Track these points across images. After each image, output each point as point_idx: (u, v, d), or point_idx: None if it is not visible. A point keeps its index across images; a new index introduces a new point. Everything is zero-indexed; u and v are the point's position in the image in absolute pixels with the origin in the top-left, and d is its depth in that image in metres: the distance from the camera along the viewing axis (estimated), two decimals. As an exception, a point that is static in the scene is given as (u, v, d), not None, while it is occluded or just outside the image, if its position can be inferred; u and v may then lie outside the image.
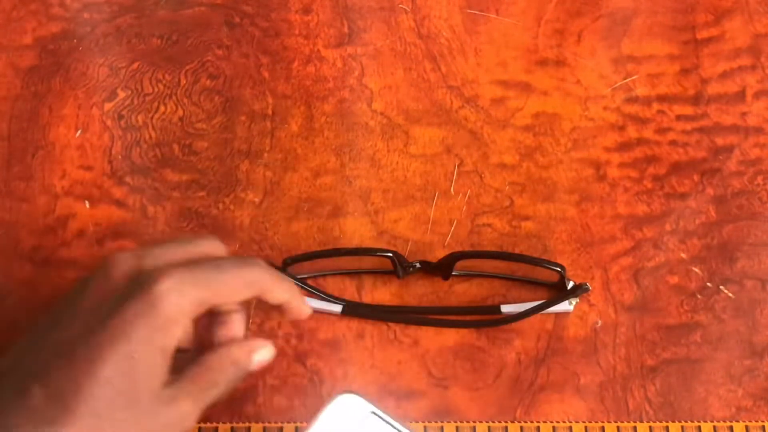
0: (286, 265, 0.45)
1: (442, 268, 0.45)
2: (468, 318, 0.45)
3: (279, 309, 0.40)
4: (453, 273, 0.45)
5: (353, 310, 0.45)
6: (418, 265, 0.45)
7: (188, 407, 0.37)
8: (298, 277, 0.45)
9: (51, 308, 0.39)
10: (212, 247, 0.40)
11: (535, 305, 0.44)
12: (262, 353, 0.40)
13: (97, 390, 0.34)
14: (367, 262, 0.46)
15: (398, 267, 0.45)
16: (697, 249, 0.47)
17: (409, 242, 0.47)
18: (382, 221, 0.47)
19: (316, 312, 0.44)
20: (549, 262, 0.43)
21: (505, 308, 0.44)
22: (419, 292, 0.46)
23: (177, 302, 0.36)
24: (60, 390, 0.34)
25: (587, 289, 0.44)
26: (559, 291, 0.45)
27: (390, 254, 0.43)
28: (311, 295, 0.45)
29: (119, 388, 0.35)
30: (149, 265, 0.37)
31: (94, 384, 0.34)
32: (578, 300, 0.44)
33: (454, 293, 0.46)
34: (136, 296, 0.36)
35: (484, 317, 0.45)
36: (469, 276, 0.46)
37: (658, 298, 0.46)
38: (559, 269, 0.43)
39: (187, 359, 0.38)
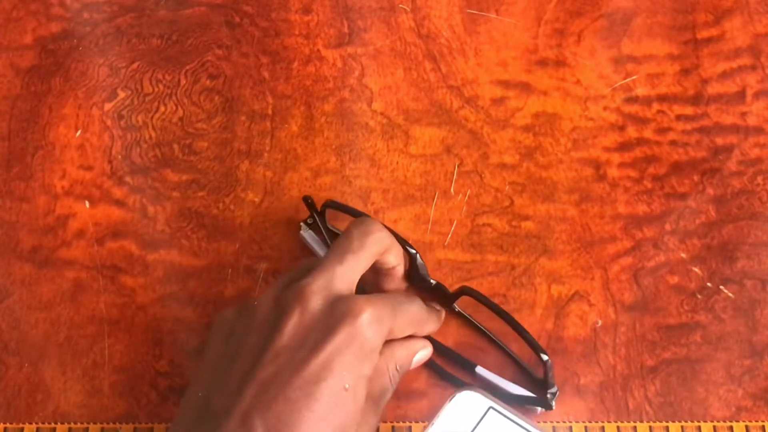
0: (326, 207, 0.44)
1: (450, 298, 0.44)
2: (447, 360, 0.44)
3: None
4: (455, 305, 0.44)
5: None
6: (433, 282, 0.44)
7: (374, 420, 0.38)
8: None
9: (226, 340, 0.38)
10: (386, 252, 0.41)
11: (505, 389, 0.43)
12: (423, 354, 0.42)
13: (313, 425, 0.35)
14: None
15: (414, 274, 0.44)
16: (697, 249, 0.47)
17: (409, 242, 0.47)
18: (382, 221, 0.47)
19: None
20: (540, 348, 0.41)
21: (480, 370, 0.43)
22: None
23: (378, 332, 0.37)
24: (278, 427, 0.34)
25: (550, 407, 0.42)
26: (539, 379, 0.43)
27: (413, 251, 0.42)
28: None
29: (332, 421, 0.35)
30: (344, 291, 0.38)
31: (311, 419, 0.35)
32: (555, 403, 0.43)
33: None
34: (342, 328, 0.36)
35: (459, 373, 0.44)
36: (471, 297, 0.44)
37: (658, 298, 0.46)
38: (546, 359, 0.41)
39: None
